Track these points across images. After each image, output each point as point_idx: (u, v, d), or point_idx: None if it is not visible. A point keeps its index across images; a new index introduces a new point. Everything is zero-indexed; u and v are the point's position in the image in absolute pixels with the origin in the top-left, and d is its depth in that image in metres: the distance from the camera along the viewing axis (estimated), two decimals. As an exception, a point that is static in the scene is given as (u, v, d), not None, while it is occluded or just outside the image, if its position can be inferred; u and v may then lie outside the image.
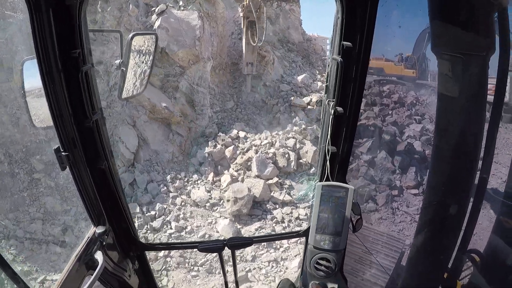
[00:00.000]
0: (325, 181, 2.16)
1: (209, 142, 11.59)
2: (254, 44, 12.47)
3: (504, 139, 9.96)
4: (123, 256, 2.35)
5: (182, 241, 9.16)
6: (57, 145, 1.72)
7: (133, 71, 1.96)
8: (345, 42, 1.87)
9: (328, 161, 2.16)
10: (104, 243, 2.01)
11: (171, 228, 9.49)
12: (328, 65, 2.13)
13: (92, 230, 1.99)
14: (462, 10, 1.99)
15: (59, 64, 1.58)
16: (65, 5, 1.54)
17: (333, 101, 2.04)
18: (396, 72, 14.65)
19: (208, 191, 10.46)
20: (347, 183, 2.13)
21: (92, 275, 1.80)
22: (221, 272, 2.64)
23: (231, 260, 2.69)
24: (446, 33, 2.04)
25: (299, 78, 14.10)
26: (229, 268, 2.78)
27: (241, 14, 12.73)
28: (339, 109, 2.02)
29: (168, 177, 10.80)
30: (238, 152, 11.36)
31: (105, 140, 1.91)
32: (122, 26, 12.10)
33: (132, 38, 1.83)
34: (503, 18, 2.03)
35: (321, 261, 2.12)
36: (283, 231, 9.42)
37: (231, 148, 11.35)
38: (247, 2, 12.16)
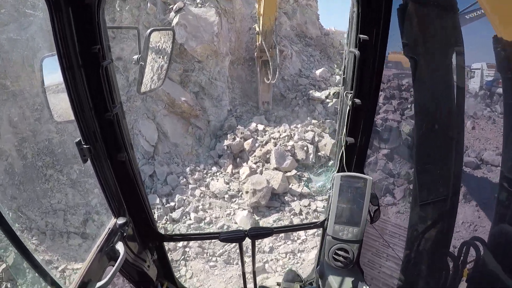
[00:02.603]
0: (343, 171, 2.18)
1: (228, 135, 11.68)
2: (269, 82, 12.59)
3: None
4: (143, 247, 2.38)
5: (201, 231, 9.19)
6: (79, 138, 1.74)
7: (151, 66, 1.98)
8: (361, 35, 1.88)
9: (345, 152, 2.19)
10: (124, 234, 2.03)
11: (190, 219, 9.57)
12: (345, 58, 2.13)
13: (113, 221, 2.02)
14: (428, 11, 2.01)
15: (79, 60, 1.62)
16: (83, 3, 1.58)
17: (350, 93, 2.05)
18: None
19: (227, 183, 10.53)
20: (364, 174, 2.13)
21: (113, 265, 1.82)
22: (240, 262, 2.66)
23: (249, 250, 2.69)
24: (415, 35, 2.06)
25: (317, 72, 14.15)
26: (246, 259, 2.76)
27: (255, 54, 12.91)
28: (357, 100, 2.04)
29: (188, 169, 10.91)
30: (257, 144, 11.41)
31: (125, 133, 1.94)
32: (141, 24, 12.31)
33: (150, 33, 1.85)
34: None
35: (339, 252, 2.14)
36: (301, 222, 9.35)
37: (250, 140, 11.41)
38: (260, 42, 12.29)
